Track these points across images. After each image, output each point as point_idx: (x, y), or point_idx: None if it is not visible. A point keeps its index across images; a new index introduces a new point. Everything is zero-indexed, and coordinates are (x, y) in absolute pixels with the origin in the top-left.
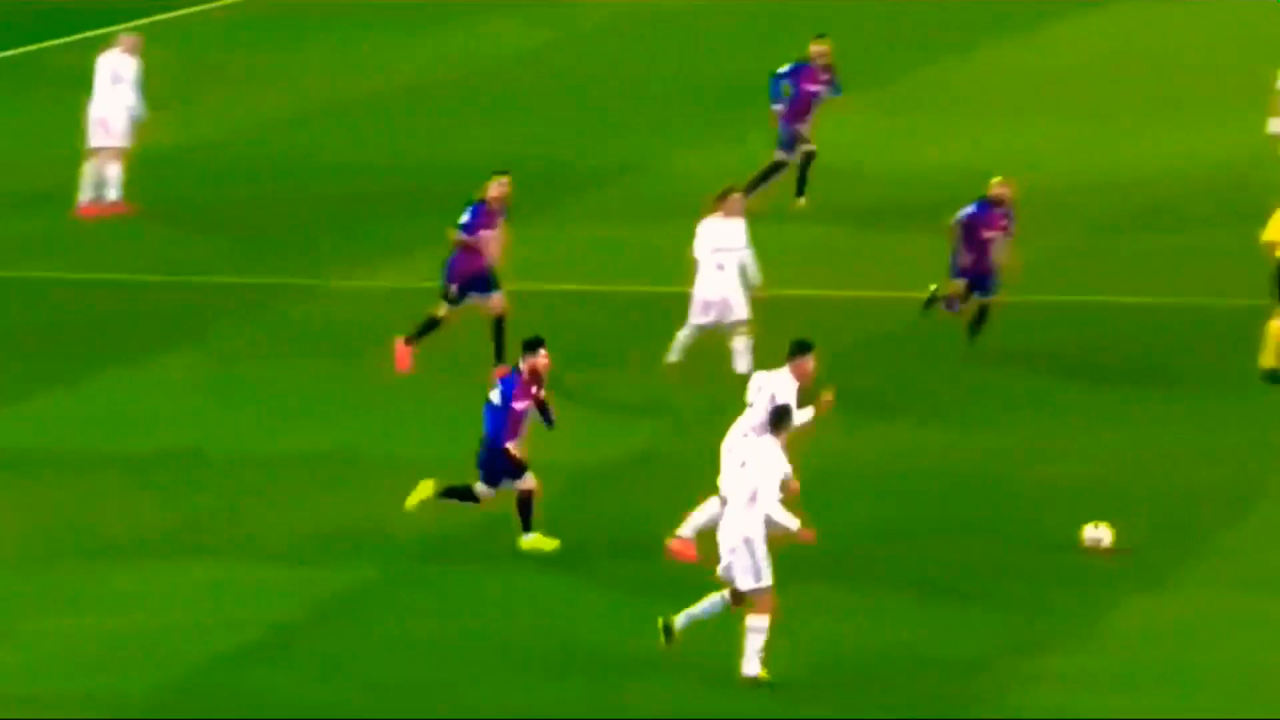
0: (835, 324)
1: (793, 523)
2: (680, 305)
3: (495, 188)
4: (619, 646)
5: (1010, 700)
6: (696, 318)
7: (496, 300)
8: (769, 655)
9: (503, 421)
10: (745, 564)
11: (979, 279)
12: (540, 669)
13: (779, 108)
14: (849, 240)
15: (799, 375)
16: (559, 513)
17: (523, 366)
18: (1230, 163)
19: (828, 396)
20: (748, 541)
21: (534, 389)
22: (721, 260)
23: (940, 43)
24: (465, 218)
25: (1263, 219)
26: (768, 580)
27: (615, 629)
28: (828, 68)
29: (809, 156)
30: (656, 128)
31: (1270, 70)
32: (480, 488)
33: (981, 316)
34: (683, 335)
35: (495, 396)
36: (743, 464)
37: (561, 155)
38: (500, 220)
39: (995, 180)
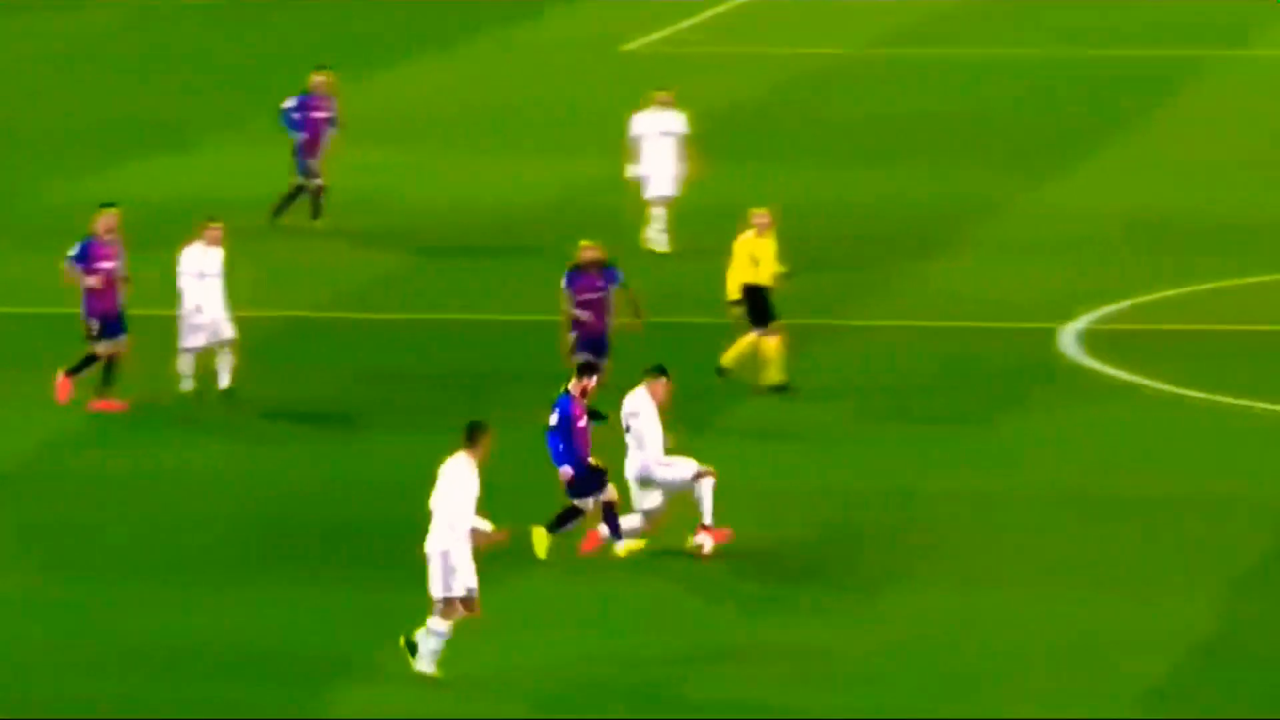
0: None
1: (486, 527)
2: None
3: (103, 220)
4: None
5: (336, 696)
6: (188, 341)
7: (121, 342)
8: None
9: (569, 442)
10: (437, 574)
11: (592, 340)
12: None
13: (300, 137)
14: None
15: (656, 396)
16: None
17: (573, 388)
18: (573, 192)
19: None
20: (444, 554)
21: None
22: (206, 285)
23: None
24: (74, 251)
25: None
26: (456, 591)
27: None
28: (329, 96)
29: (319, 188)
30: (28, 159)
31: (615, 112)
32: (580, 503)
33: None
34: (183, 364)
35: (554, 420)
36: (440, 482)
37: None
38: (116, 252)
39: (585, 244)
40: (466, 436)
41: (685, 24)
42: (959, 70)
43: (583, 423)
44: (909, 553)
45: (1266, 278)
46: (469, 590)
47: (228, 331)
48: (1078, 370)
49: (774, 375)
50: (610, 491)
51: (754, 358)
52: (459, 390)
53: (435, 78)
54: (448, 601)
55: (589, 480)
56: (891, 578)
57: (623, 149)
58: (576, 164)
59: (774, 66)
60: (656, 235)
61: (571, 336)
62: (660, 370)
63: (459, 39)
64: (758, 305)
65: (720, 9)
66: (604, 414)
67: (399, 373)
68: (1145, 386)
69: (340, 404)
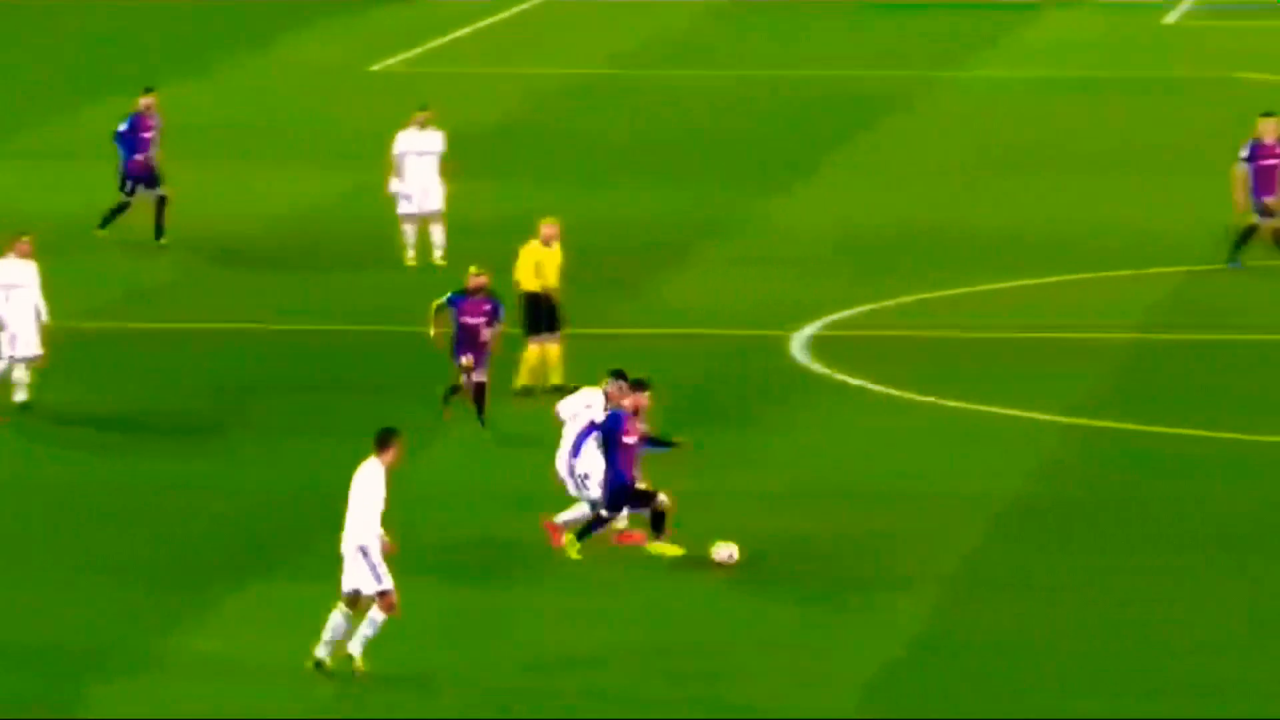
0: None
1: (382, 537)
2: None
3: None
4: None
5: (100, 690)
6: (5, 351)
7: None
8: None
9: (613, 455)
10: (363, 570)
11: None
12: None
13: (139, 157)
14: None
15: (626, 403)
16: None
17: (627, 403)
18: (327, 207)
19: None
20: (363, 550)
21: (638, 424)
22: (15, 297)
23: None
24: None
25: (359, 259)
26: (387, 584)
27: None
28: (156, 116)
29: (161, 199)
30: None
31: (367, 129)
32: (610, 514)
33: (480, 394)
34: None
35: (604, 423)
36: (354, 485)
37: None
38: None
39: (472, 270)
40: (376, 443)
41: (433, 44)
42: (693, 91)
43: (631, 439)
44: (650, 551)
45: (982, 287)
46: (388, 587)
47: (33, 348)
48: (805, 375)
49: (525, 379)
50: (660, 502)
51: (542, 362)
52: (225, 398)
53: (194, 98)
54: (383, 594)
55: (630, 497)
56: (629, 578)
57: (382, 165)
58: (331, 179)
59: (515, 86)
60: (432, 248)
61: (456, 352)
62: (619, 374)
63: (212, 60)
64: (541, 311)
65: (466, 30)
66: (670, 441)
67: (169, 378)
68: (868, 389)
69: (108, 410)
